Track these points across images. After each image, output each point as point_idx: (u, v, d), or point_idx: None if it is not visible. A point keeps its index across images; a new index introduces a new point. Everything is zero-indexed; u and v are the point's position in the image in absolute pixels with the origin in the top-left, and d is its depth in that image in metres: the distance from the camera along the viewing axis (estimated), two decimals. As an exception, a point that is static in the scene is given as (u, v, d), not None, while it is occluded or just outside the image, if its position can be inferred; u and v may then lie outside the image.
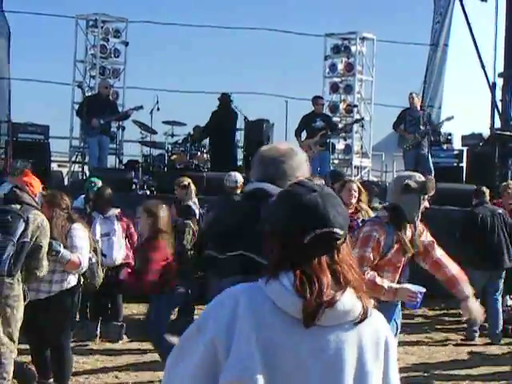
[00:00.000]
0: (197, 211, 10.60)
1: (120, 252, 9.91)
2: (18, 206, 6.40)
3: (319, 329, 2.27)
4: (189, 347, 2.32)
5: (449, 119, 15.19)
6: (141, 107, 14.97)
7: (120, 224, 9.99)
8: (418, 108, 15.15)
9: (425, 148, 14.84)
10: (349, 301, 2.29)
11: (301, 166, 3.53)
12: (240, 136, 16.01)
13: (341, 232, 2.30)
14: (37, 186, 7.23)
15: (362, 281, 2.37)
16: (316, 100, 15.45)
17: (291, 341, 2.26)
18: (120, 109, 16.23)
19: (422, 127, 14.68)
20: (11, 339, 6.32)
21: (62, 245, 6.69)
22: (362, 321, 2.30)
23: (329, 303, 2.25)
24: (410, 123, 14.92)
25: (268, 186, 3.43)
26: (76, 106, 15.95)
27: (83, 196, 10.79)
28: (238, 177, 10.14)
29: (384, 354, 2.36)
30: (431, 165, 14.82)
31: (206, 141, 15.72)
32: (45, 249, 6.39)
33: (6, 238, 6.21)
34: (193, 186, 10.74)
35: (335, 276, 2.30)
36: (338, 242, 2.31)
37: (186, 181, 10.79)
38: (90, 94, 16.22)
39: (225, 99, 15.65)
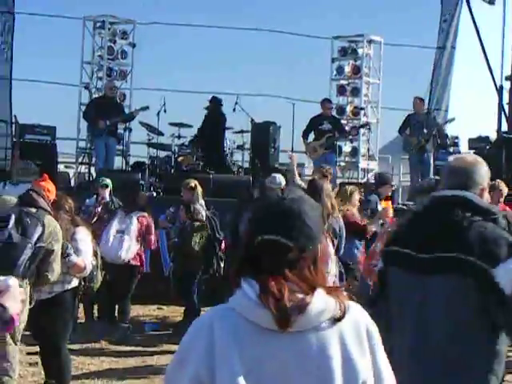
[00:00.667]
0: (204, 213, 10.61)
1: (128, 252, 9.94)
2: (34, 210, 6.42)
3: (298, 334, 2.27)
4: (174, 381, 2.34)
5: (450, 121, 15.20)
6: (147, 108, 14.99)
7: (138, 224, 10.08)
8: (423, 112, 15.14)
9: (429, 152, 14.84)
10: (321, 301, 2.29)
11: (486, 176, 3.69)
12: (247, 138, 15.99)
13: (290, 244, 2.32)
14: (53, 191, 7.27)
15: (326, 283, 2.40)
16: (324, 103, 15.46)
17: (273, 352, 2.27)
18: (127, 110, 16.25)
19: (425, 130, 14.68)
20: (15, 340, 6.36)
21: (72, 248, 6.73)
22: (341, 318, 2.32)
23: (300, 308, 2.25)
24: (415, 127, 14.94)
25: (466, 193, 3.57)
26: (83, 108, 15.99)
27: (95, 196, 10.90)
28: (282, 179, 10.19)
29: (368, 343, 2.37)
30: (431, 168, 14.85)
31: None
32: (57, 253, 6.40)
33: (25, 240, 6.24)
34: (199, 188, 10.75)
35: (296, 283, 2.30)
36: (290, 255, 2.32)
37: (193, 182, 10.80)
38: (96, 95, 16.23)
39: (214, 102, 15.59)
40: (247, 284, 2.31)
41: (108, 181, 10.80)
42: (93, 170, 15.43)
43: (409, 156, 15.20)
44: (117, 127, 15.33)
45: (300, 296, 2.28)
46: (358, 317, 2.39)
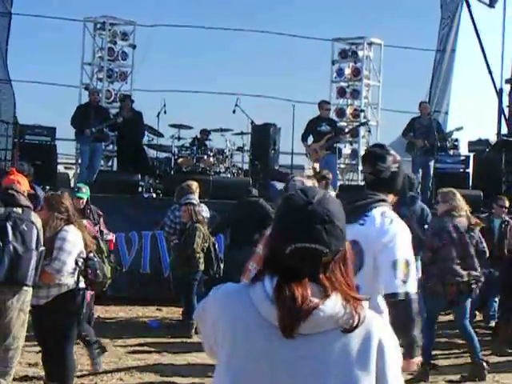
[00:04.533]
0: (205, 214, 10.66)
1: None
2: (20, 210, 6.40)
3: (301, 337, 2.25)
4: (200, 321, 2.51)
5: (458, 129, 15.18)
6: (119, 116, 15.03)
7: None
8: (428, 116, 15.15)
9: (433, 156, 14.87)
10: (330, 307, 2.24)
11: None
12: (247, 140, 16.00)
13: (325, 249, 2.27)
14: (24, 183, 7.04)
15: (352, 290, 2.33)
16: (322, 104, 15.46)
17: (274, 349, 2.26)
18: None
19: (431, 135, 14.67)
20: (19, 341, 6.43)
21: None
22: (349, 330, 2.26)
23: (306, 312, 2.22)
24: (419, 131, 14.96)
25: None
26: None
27: None
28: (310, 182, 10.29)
29: (378, 359, 2.28)
30: (431, 172, 14.89)
31: (213, 144, 15.72)
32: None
33: (28, 249, 6.24)
34: (197, 191, 10.84)
35: (319, 286, 2.27)
36: (324, 259, 2.28)
37: (194, 185, 10.86)
38: (80, 103, 16.18)
39: (127, 101, 15.56)
40: (269, 279, 2.29)
41: (84, 190, 9.58)
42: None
43: (412, 160, 15.21)
44: (103, 132, 15.29)
45: (312, 300, 2.24)
46: (373, 330, 2.30)
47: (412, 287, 4.25)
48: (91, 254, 6.88)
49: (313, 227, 2.28)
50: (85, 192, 9.52)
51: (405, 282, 4.22)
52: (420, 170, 14.99)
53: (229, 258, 10.52)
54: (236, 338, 2.30)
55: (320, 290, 2.26)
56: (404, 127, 15.51)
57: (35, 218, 6.44)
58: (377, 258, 4.28)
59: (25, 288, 6.37)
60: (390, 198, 4.58)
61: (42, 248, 6.36)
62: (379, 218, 4.36)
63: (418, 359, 4.32)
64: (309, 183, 10.08)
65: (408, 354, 4.20)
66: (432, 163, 15.00)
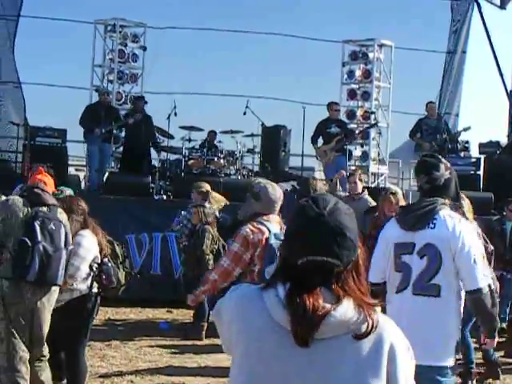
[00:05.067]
0: (213, 216, 10.67)
1: None
2: (46, 209, 6.39)
3: (314, 341, 2.24)
4: (216, 321, 2.52)
5: (466, 129, 15.15)
6: (139, 116, 15.04)
7: None
8: (435, 117, 15.12)
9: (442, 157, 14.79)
10: (343, 313, 2.25)
11: None
12: (257, 142, 16.00)
13: (336, 262, 2.28)
14: (51, 184, 7.07)
15: (366, 296, 2.33)
16: (331, 106, 15.43)
17: (286, 353, 2.27)
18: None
19: (438, 136, 14.65)
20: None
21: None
22: (362, 337, 2.26)
23: (318, 320, 2.22)
24: (426, 132, 14.92)
25: None
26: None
27: None
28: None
29: (390, 364, 2.28)
30: None
31: (223, 146, 15.72)
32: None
33: (57, 248, 6.23)
34: (215, 194, 10.88)
35: (339, 295, 2.28)
36: (336, 270, 2.29)
37: (205, 187, 10.88)
38: (90, 103, 16.21)
39: (140, 103, 15.56)
40: (282, 286, 2.31)
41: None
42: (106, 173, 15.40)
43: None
44: (112, 132, 15.31)
45: (326, 306, 2.24)
46: (384, 335, 2.30)
47: (490, 277, 4.81)
48: (106, 259, 6.87)
49: (324, 240, 2.30)
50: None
51: (485, 274, 4.73)
52: None
53: None
54: (249, 340, 2.32)
55: (333, 297, 2.27)
56: (411, 128, 15.47)
57: (61, 215, 6.43)
58: (456, 257, 4.70)
59: (53, 288, 6.37)
60: (447, 202, 4.96)
61: (71, 247, 6.37)
62: (448, 219, 4.77)
63: (496, 339, 5.02)
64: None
65: (492, 335, 4.93)
66: None
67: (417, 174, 5.20)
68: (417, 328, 4.53)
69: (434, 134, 14.74)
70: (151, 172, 14.82)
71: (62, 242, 6.28)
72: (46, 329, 6.42)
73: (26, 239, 6.16)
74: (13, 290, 6.22)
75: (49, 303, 6.37)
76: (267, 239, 6.14)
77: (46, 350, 6.51)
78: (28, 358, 6.31)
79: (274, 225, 6.21)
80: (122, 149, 16.25)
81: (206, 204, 10.72)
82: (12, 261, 6.20)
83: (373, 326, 2.26)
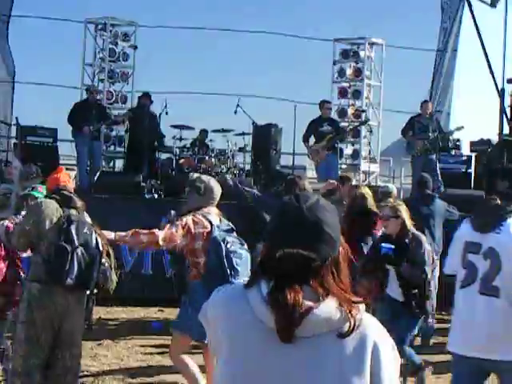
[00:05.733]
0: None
1: None
2: (75, 212, 6.32)
3: (297, 340, 2.25)
4: (203, 322, 2.52)
5: (459, 129, 15.12)
6: (129, 113, 15.00)
7: None
8: (429, 115, 15.10)
9: (433, 154, 14.82)
10: (326, 310, 2.25)
11: None
12: (248, 140, 16.00)
13: (312, 255, 2.29)
14: (70, 180, 7.01)
15: (348, 293, 2.33)
16: (323, 104, 15.43)
17: (270, 352, 2.27)
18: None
19: (430, 134, 14.64)
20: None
21: None
22: (345, 335, 2.26)
23: (301, 315, 2.23)
24: (419, 130, 14.90)
25: None
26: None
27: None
28: (394, 188, 11.06)
29: (373, 363, 2.28)
30: (438, 171, 14.78)
31: (214, 144, 15.72)
32: None
33: (91, 253, 6.19)
34: None
35: (317, 291, 2.28)
36: (313, 265, 2.30)
37: None
38: (98, 97, 16.20)
39: (145, 100, 15.53)
40: (265, 282, 2.32)
41: (40, 190, 8.45)
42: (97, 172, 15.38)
43: (411, 159, 15.18)
44: (99, 130, 15.28)
45: (307, 303, 2.25)
46: (368, 334, 2.31)
47: None
48: (103, 260, 6.84)
49: (301, 233, 2.32)
50: (41, 191, 8.53)
51: None
52: (421, 169, 14.91)
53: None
54: (234, 339, 2.33)
55: (313, 295, 2.28)
56: (403, 126, 15.49)
57: (88, 218, 6.43)
58: None
59: (85, 292, 6.35)
60: None
61: (102, 249, 6.33)
62: None
63: None
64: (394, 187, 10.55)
65: None
66: (434, 158, 14.84)
67: (499, 178, 5.94)
68: (492, 325, 5.02)
69: (426, 133, 14.72)
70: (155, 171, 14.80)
71: (94, 246, 6.24)
72: (77, 335, 6.33)
73: (65, 244, 6.09)
74: (44, 294, 6.11)
75: (81, 307, 6.33)
76: (209, 233, 6.41)
77: (73, 360, 6.38)
78: (43, 365, 6.19)
79: (214, 217, 6.52)
80: (114, 148, 16.24)
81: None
82: (45, 264, 6.08)
83: (355, 324, 2.27)
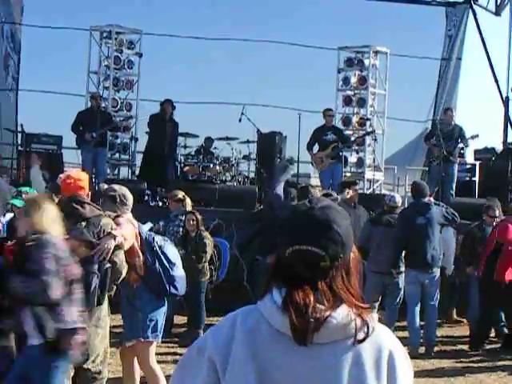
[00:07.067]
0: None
1: None
2: (84, 224, 6.27)
3: (314, 346, 2.25)
4: (191, 369, 2.37)
5: (474, 137, 14.96)
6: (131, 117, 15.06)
7: None
8: (451, 123, 14.92)
9: (454, 165, 14.67)
10: (342, 316, 2.26)
11: None
12: (253, 148, 16.01)
13: (321, 252, 2.31)
14: (85, 180, 6.86)
15: (358, 300, 2.33)
16: (325, 112, 15.49)
17: (287, 360, 2.27)
18: (133, 121, 16.43)
19: (449, 143, 14.46)
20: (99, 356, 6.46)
21: None
22: (361, 341, 2.27)
23: (317, 320, 2.23)
24: (438, 137, 14.75)
25: None
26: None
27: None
28: (399, 198, 11.23)
29: (389, 371, 2.28)
30: (453, 184, 14.67)
31: (219, 152, 15.73)
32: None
33: (89, 270, 6.05)
34: (188, 200, 10.81)
35: (326, 294, 2.29)
36: (322, 264, 2.31)
37: (181, 194, 10.82)
38: (103, 105, 16.24)
39: (167, 106, 15.57)
40: (277, 290, 2.32)
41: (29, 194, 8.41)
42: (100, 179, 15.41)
43: (429, 167, 15.13)
44: (104, 137, 15.31)
45: (322, 308, 2.25)
46: (383, 341, 2.32)
47: None
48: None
49: (310, 230, 2.34)
50: (17, 202, 8.16)
51: None
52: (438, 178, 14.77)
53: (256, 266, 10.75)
54: (248, 354, 2.28)
55: (323, 298, 2.28)
56: (426, 133, 15.40)
57: (107, 222, 6.43)
58: None
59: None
60: None
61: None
62: None
63: None
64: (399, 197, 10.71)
65: None
66: (452, 169, 14.77)
67: None
68: None
69: (445, 140, 14.48)
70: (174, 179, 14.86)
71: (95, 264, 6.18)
72: (92, 345, 6.32)
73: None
74: None
75: (92, 320, 6.27)
76: (139, 233, 6.78)
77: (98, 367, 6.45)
78: (72, 374, 6.21)
79: (135, 221, 6.91)
80: (118, 156, 16.27)
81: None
82: None
83: (369, 331, 2.27)
